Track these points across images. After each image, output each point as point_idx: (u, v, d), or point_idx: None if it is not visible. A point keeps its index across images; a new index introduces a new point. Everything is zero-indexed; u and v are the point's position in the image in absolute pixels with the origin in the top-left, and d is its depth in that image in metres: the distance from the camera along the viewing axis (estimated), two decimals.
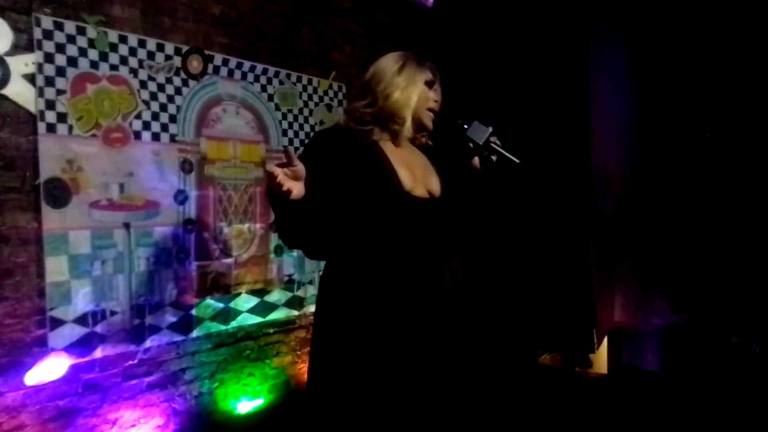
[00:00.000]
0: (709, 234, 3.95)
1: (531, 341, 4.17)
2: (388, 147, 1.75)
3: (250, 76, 3.39)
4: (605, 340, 3.97)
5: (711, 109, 3.85)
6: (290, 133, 3.62)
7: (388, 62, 1.79)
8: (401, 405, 1.62)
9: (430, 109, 1.81)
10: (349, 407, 1.62)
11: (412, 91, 1.74)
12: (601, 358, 4.17)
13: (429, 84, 1.80)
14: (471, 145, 1.81)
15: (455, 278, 1.76)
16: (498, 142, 1.81)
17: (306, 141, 3.69)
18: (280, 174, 1.37)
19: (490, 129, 1.80)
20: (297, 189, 1.40)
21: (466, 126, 1.81)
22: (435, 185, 1.79)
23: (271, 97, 3.51)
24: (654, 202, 4.06)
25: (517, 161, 1.78)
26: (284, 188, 1.37)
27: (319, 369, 1.73)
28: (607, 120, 3.79)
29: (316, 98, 3.79)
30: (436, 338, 1.68)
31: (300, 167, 1.41)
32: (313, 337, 1.78)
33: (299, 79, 3.68)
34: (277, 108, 3.55)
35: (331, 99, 3.88)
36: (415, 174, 1.74)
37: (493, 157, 1.82)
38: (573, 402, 3.65)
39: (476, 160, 1.85)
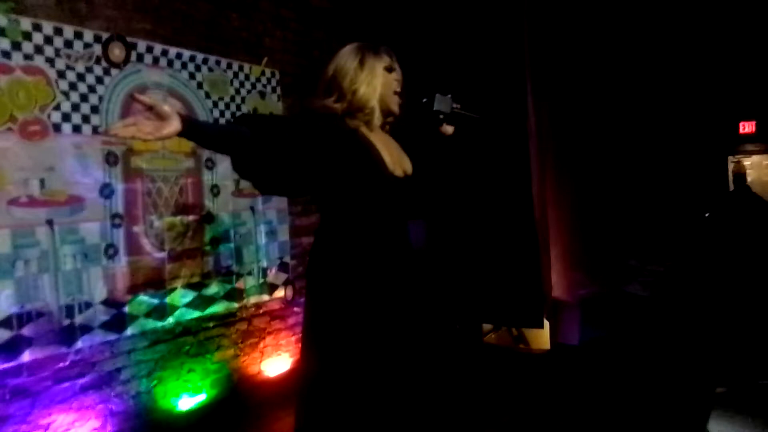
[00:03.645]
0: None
1: (478, 314, 4.28)
2: (366, 133, 1.88)
3: (177, 64, 3.28)
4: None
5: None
6: (222, 122, 3.52)
7: (348, 58, 1.88)
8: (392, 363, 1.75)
9: (396, 93, 1.93)
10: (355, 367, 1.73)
11: (376, 83, 1.87)
12: (543, 335, 4.28)
13: (388, 69, 1.92)
14: (441, 117, 1.97)
15: (419, 245, 1.93)
16: (458, 106, 1.99)
17: None
18: (138, 122, 1.42)
19: (450, 96, 1.97)
20: (169, 126, 1.44)
21: (427, 101, 1.96)
22: (407, 165, 1.95)
23: (200, 85, 3.41)
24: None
25: (477, 117, 2.00)
26: (147, 131, 1.42)
27: (318, 331, 1.81)
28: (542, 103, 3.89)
29: (248, 85, 3.71)
30: (409, 301, 1.84)
31: (160, 108, 1.45)
32: (307, 302, 1.86)
33: (229, 66, 3.59)
34: (208, 96, 3.45)
35: (264, 86, 3.80)
36: (393, 157, 1.89)
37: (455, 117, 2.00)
38: (519, 378, 3.75)
39: (447, 127, 2.03)
